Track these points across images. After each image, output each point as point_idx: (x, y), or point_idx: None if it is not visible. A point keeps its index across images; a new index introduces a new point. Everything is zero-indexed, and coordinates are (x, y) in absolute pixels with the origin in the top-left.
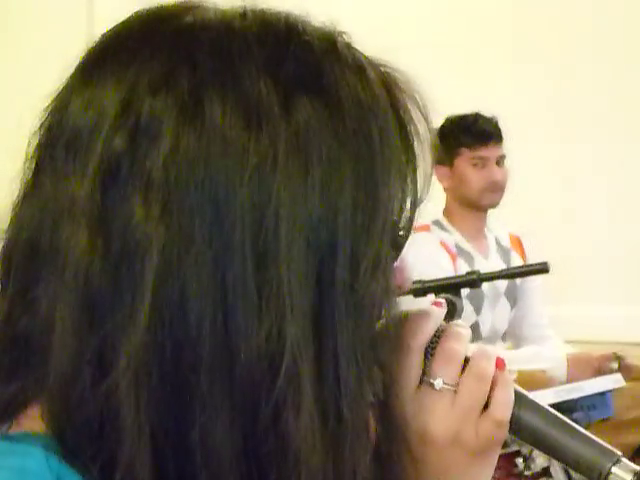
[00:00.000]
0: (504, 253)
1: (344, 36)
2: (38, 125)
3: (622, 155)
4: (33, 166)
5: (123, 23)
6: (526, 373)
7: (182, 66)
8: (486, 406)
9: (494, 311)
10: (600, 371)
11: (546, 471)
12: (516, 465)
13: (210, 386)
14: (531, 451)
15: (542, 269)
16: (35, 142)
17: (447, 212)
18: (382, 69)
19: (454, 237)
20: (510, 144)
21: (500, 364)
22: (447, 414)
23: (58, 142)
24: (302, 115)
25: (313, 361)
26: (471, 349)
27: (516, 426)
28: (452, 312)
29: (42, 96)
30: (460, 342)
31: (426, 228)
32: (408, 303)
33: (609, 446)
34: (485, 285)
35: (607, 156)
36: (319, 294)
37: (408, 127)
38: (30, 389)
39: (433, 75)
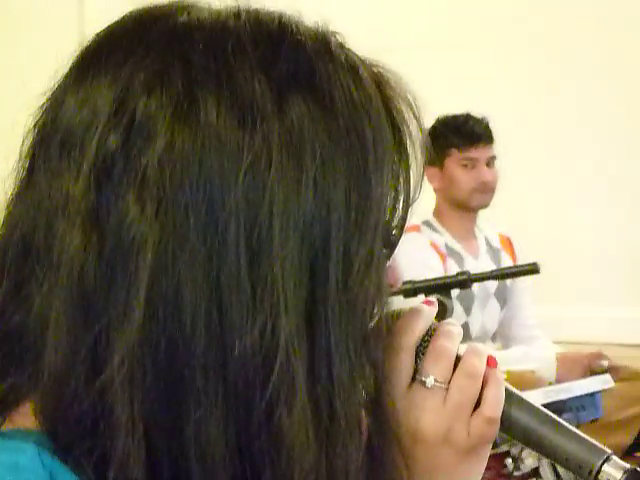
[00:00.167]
0: (494, 253)
1: (337, 36)
2: (32, 124)
3: (612, 157)
4: (27, 164)
5: (117, 22)
6: (515, 373)
7: (176, 65)
8: (477, 404)
9: (484, 311)
10: (590, 369)
11: (535, 472)
12: (505, 465)
13: (204, 382)
14: (521, 451)
15: (532, 270)
16: (29, 141)
17: (437, 213)
18: (375, 69)
19: (444, 237)
20: (501, 145)
21: (491, 362)
22: (438, 412)
23: (52, 140)
24: (296, 114)
25: (306, 358)
26: (462, 349)
27: (507, 424)
28: (442, 313)
29: (35, 95)
30: (451, 340)
31: (416, 228)
32: (398, 303)
33: (599, 444)
34: (475, 286)
35: (597, 158)
36: (312, 291)
37: (400, 126)
38: (23, 386)
39: (425, 75)
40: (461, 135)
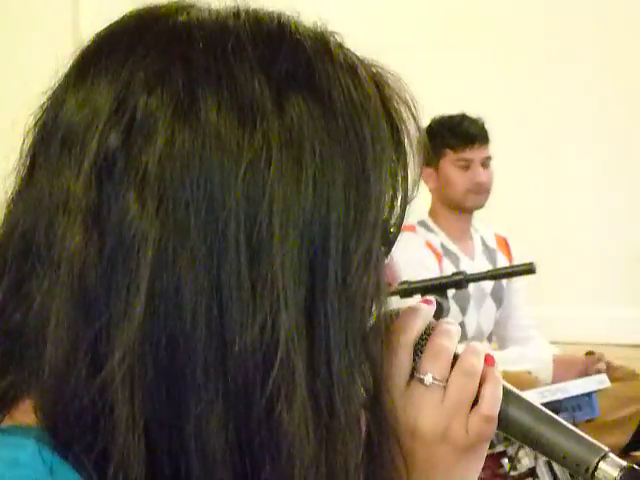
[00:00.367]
0: (490, 254)
1: (336, 36)
2: (33, 122)
3: (610, 157)
4: (28, 163)
5: (117, 22)
6: (512, 374)
7: (177, 64)
8: (475, 402)
9: (480, 311)
10: (586, 373)
11: (532, 471)
12: (502, 465)
13: (205, 379)
14: (517, 451)
15: (528, 270)
16: (30, 139)
17: (432, 213)
18: (373, 69)
19: (440, 238)
20: (497, 145)
21: (489, 360)
22: (436, 409)
23: (53, 139)
24: (295, 112)
25: (306, 354)
26: (460, 348)
27: (505, 422)
28: (438, 313)
29: (36, 94)
30: (449, 339)
31: (411, 229)
32: (395, 303)
33: (596, 442)
34: (471, 286)
35: (593, 159)
36: (312, 288)
37: (398, 126)
38: (23, 383)
39: (422, 75)
40: (456, 135)
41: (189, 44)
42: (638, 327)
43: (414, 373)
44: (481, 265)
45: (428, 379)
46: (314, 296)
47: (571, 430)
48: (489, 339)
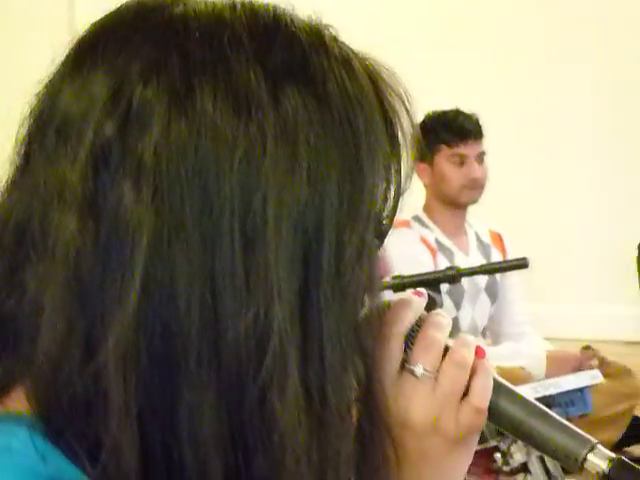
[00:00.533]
0: (485, 249)
1: (330, 29)
2: (29, 111)
3: (603, 155)
4: (23, 151)
5: (113, 13)
6: (505, 369)
7: (173, 54)
8: (465, 394)
9: (474, 307)
10: (580, 369)
11: (524, 466)
12: (494, 461)
13: (198, 366)
14: (509, 447)
15: (521, 265)
16: (26, 128)
17: (427, 208)
18: (368, 62)
19: (434, 233)
20: (495, 143)
21: (480, 352)
22: (427, 401)
23: (49, 128)
24: (290, 104)
25: (299, 343)
26: (451, 341)
27: (495, 414)
28: (432, 307)
29: (32, 83)
30: (441, 331)
31: (406, 224)
32: (387, 298)
33: (585, 434)
34: (465, 281)
35: (588, 156)
36: (305, 278)
37: (392, 119)
38: (16, 370)
39: (417, 70)
40: (451, 131)
41: (185, 35)
42: (631, 324)
43: (405, 364)
44: (475, 261)
45: (419, 370)
46: (307, 286)
47: (561, 422)
48: (483, 334)
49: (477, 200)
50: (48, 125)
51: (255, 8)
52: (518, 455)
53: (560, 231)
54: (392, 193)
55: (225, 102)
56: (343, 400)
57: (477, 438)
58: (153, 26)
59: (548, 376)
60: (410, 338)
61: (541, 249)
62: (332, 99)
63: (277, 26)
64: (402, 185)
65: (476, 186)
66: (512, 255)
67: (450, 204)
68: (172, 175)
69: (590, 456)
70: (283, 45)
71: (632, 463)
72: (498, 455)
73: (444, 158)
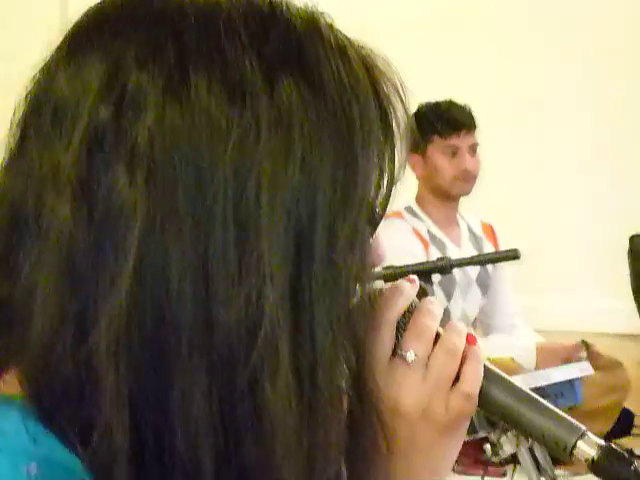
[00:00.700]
0: (477, 241)
1: (326, 17)
2: (24, 94)
3: (596, 147)
4: (18, 135)
5: None
6: (495, 361)
7: (168, 40)
8: (456, 380)
9: (465, 298)
10: (569, 361)
11: (514, 457)
12: (484, 452)
13: (189, 350)
14: (499, 437)
15: (513, 256)
16: (21, 111)
17: (419, 200)
18: (363, 51)
19: (426, 224)
20: (484, 133)
21: (470, 339)
22: (418, 387)
23: (44, 111)
24: (285, 92)
25: (291, 329)
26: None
27: (485, 400)
28: (423, 296)
29: (27, 67)
30: (432, 318)
31: (398, 215)
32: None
33: (575, 421)
34: (457, 272)
35: (580, 148)
36: (298, 265)
37: (387, 108)
38: (8, 353)
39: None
40: (443, 122)
41: (181, 21)
42: (622, 316)
43: (396, 350)
44: (467, 252)
45: (410, 356)
46: (299, 272)
47: (551, 409)
48: (474, 326)
49: (469, 192)
50: (43, 109)
51: None
52: (508, 446)
53: (552, 223)
54: (385, 182)
55: (220, 89)
56: (334, 385)
57: (467, 425)
58: (149, 12)
59: (538, 368)
60: (401, 325)
61: (533, 241)
62: (327, 87)
63: (273, 14)
64: (395, 174)
65: (468, 178)
66: (504, 247)
67: (442, 195)
68: (166, 160)
69: (580, 443)
70: (279, 33)
71: (622, 451)
72: (488, 446)
73: (436, 149)
